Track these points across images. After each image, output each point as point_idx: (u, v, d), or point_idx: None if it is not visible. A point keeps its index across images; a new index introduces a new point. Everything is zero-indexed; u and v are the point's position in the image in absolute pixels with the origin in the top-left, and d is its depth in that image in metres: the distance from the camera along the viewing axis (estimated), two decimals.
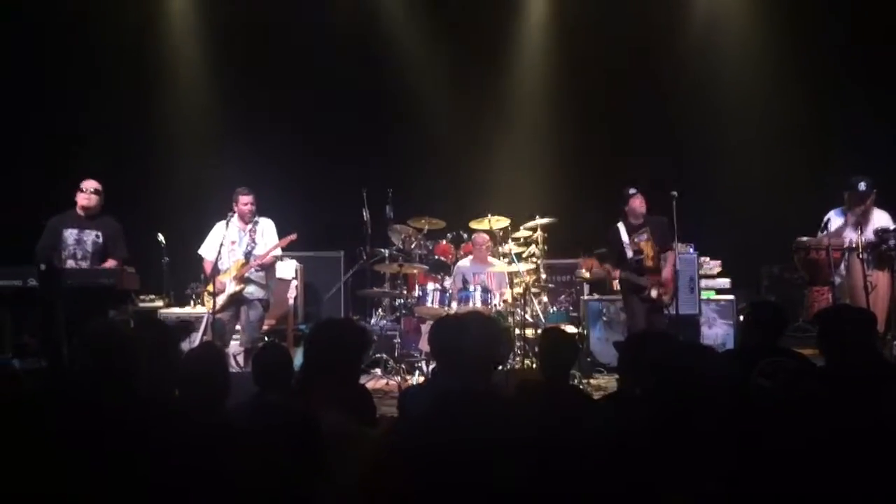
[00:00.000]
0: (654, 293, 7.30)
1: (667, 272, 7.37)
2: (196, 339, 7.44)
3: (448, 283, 8.21)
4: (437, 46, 10.22)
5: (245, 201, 7.35)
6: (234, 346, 7.42)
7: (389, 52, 10.32)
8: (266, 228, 7.47)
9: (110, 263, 6.94)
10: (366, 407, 3.58)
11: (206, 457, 2.12)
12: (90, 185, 6.99)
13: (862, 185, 7.10)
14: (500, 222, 8.55)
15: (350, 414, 3.07)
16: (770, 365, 3.86)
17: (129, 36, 9.55)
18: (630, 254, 7.42)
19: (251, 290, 7.31)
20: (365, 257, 8.86)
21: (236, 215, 7.37)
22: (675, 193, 7.19)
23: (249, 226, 7.41)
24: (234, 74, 9.91)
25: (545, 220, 8.48)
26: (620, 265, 7.43)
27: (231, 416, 2.85)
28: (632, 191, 7.47)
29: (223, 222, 7.28)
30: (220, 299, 7.14)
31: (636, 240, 7.43)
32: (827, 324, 3.99)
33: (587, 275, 9.03)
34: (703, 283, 8.54)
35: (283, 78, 10.13)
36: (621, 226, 7.51)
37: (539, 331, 7.79)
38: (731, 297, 8.68)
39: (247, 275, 7.27)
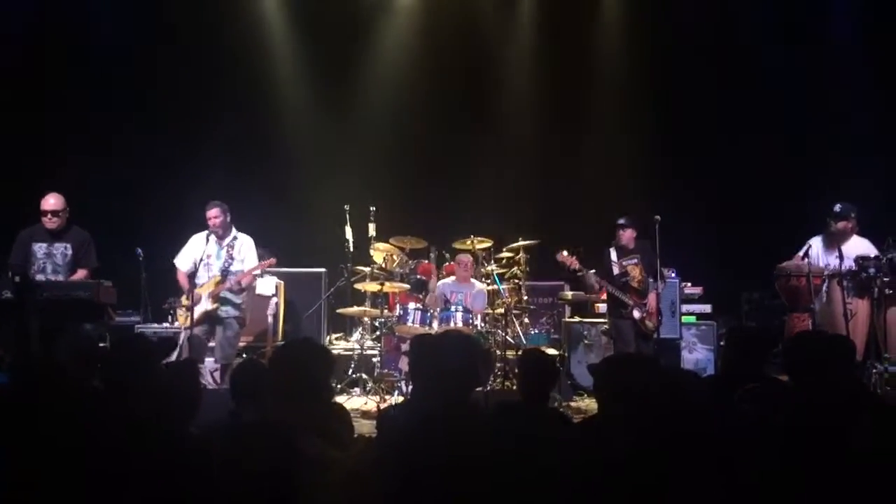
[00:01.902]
0: (636, 314, 7.36)
1: (651, 299, 7.40)
2: (173, 355, 7.34)
3: (429, 302, 8.17)
4: (423, 67, 10.24)
5: (209, 215, 7.20)
6: (209, 362, 7.33)
7: (375, 71, 10.34)
8: (245, 246, 7.33)
9: (80, 274, 6.87)
10: (342, 426, 3.52)
11: (181, 474, 2.07)
12: (48, 206, 6.88)
13: (837, 207, 7.24)
14: (482, 243, 8.54)
15: (322, 435, 3.02)
16: (751, 391, 3.83)
17: (109, 48, 9.46)
18: (616, 270, 7.47)
19: (226, 309, 7.20)
20: (346, 275, 8.81)
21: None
22: (658, 218, 7.22)
23: (227, 241, 7.29)
24: (217, 88, 9.85)
25: (528, 242, 8.47)
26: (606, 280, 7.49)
27: (201, 434, 2.79)
28: (620, 221, 7.54)
29: (202, 234, 7.20)
30: (195, 314, 7.01)
31: (624, 263, 7.52)
32: (797, 350, 3.94)
33: (569, 296, 9.05)
34: (685, 307, 8.56)
35: (265, 94, 10.13)
36: (612, 251, 7.61)
37: (519, 352, 7.78)
38: (712, 322, 8.69)
39: (222, 294, 7.18)
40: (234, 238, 7.30)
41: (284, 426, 2.57)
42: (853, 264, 6.97)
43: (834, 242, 7.20)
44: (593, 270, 7.48)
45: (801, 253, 7.23)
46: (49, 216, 6.87)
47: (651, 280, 7.47)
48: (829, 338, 3.96)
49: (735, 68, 9.88)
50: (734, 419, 3.71)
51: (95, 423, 2.34)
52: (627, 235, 7.54)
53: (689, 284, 8.82)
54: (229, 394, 3.66)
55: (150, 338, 6.89)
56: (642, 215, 7.66)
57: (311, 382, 3.10)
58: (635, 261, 7.54)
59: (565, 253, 7.44)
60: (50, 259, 6.90)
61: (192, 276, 7.03)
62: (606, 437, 3.28)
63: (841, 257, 6.93)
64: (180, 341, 7.27)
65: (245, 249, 7.32)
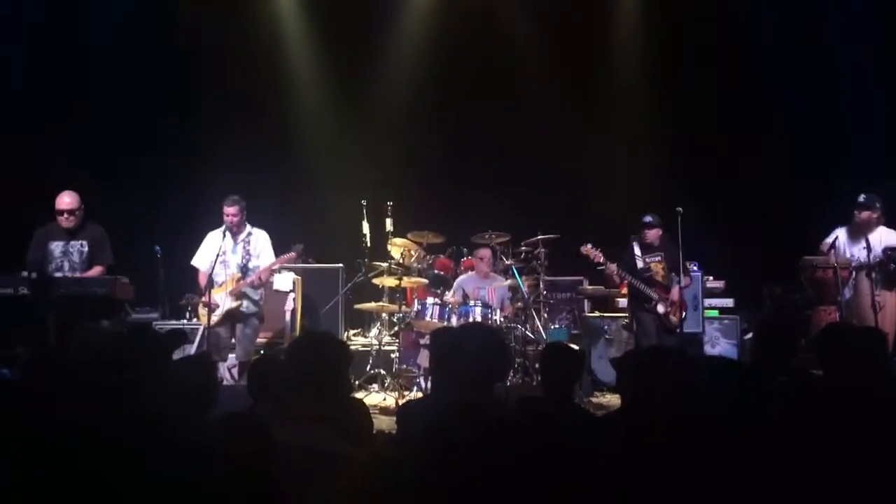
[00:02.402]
0: (661, 308, 7.29)
1: (675, 293, 7.32)
2: (191, 351, 7.31)
3: (448, 297, 8.09)
4: (439, 62, 10.16)
5: (227, 212, 7.07)
6: (231, 359, 7.28)
7: (391, 65, 10.27)
8: (261, 241, 7.24)
9: (96, 270, 6.83)
10: (361, 422, 3.45)
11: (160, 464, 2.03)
12: (63, 205, 6.79)
13: (861, 197, 7.11)
14: (500, 238, 8.46)
15: (339, 430, 2.95)
16: (781, 385, 3.73)
17: (124, 45, 9.43)
18: (640, 264, 7.40)
19: (246, 305, 7.13)
20: (364, 270, 8.75)
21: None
22: (679, 210, 7.14)
23: (242, 236, 7.20)
24: (232, 83, 9.82)
25: (547, 237, 8.38)
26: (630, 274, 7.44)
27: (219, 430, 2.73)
28: (647, 220, 7.46)
29: (218, 232, 7.13)
30: (217, 314, 6.94)
31: (647, 259, 7.45)
32: (831, 342, 3.84)
33: (589, 290, 8.96)
34: (707, 301, 8.44)
35: (281, 88, 10.09)
36: (636, 245, 7.55)
37: (540, 347, 7.70)
38: (734, 316, 8.56)
39: (243, 289, 7.12)
40: (249, 234, 7.22)
41: (260, 418, 2.50)
42: (881, 255, 6.83)
43: (859, 233, 7.08)
44: (615, 264, 7.39)
45: (828, 240, 7.10)
46: (65, 215, 6.81)
47: (674, 276, 7.39)
48: (862, 329, 3.87)
49: (756, 60, 9.73)
50: (763, 414, 3.62)
51: (107, 418, 2.29)
52: (653, 234, 7.48)
53: (712, 278, 8.69)
54: (247, 390, 3.62)
55: (158, 331, 6.81)
56: (663, 208, 7.56)
57: (328, 376, 3.03)
58: (659, 258, 7.48)
59: (589, 246, 7.36)
60: (67, 257, 6.85)
61: (211, 274, 6.93)
62: (631, 431, 3.20)
63: (869, 248, 6.79)
64: (197, 337, 7.24)
65: (261, 245, 7.24)
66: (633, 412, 3.50)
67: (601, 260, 7.37)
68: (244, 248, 7.16)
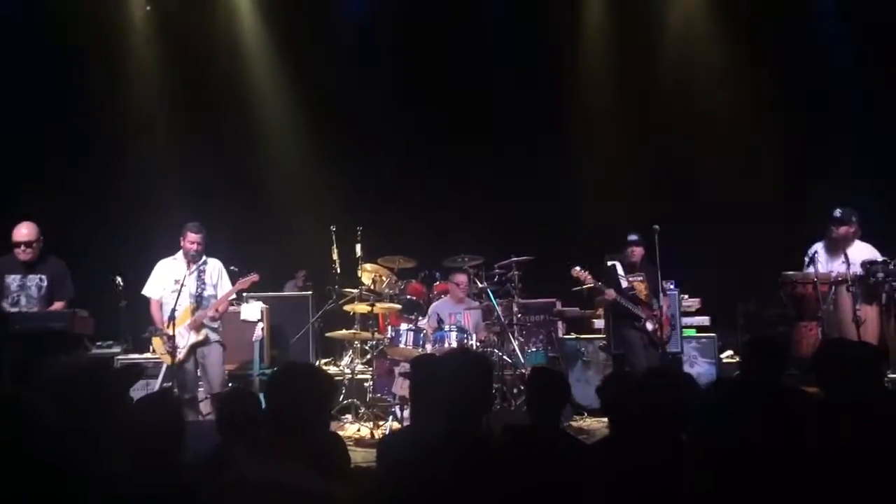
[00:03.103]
0: (650, 325, 7.22)
1: (659, 311, 7.26)
2: (155, 386, 7.01)
3: (422, 323, 7.89)
4: (412, 87, 10.06)
5: (193, 239, 6.77)
6: (201, 393, 6.98)
7: (362, 90, 10.14)
8: (216, 271, 6.95)
9: (57, 305, 6.53)
10: (338, 457, 3.25)
11: None
12: (20, 237, 6.45)
13: (837, 212, 7.05)
14: (474, 261, 8.29)
15: (317, 466, 2.75)
16: (779, 402, 3.60)
17: (88, 69, 9.21)
18: (625, 284, 7.33)
19: (209, 335, 6.83)
20: (335, 297, 8.52)
21: (181, 252, 6.85)
22: (657, 227, 7.05)
23: (198, 264, 6.85)
24: (197, 107, 9.62)
25: (521, 258, 8.23)
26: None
27: (188, 472, 2.51)
28: (632, 238, 7.41)
29: (170, 260, 6.84)
30: (181, 350, 6.59)
31: (630, 278, 7.39)
32: (830, 359, 3.74)
33: (564, 311, 8.85)
34: (684, 320, 8.33)
35: (247, 112, 9.92)
36: (618, 265, 7.50)
37: (518, 371, 7.54)
38: (711, 334, 8.46)
39: (201, 321, 6.80)
40: (205, 262, 6.90)
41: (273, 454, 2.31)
42: (860, 269, 6.76)
43: (837, 248, 7.01)
44: (612, 288, 7.30)
45: (806, 262, 7.05)
46: (22, 248, 6.46)
47: (654, 300, 7.32)
48: (860, 346, 3.78)
49: (725, 75, 9.74)
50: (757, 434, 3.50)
51: (58, 465, 2.06)
52: (638, 253, 7.44)
53: (687, 296, 8.59)
54: (216, 426, 3.39)
55: (114, 367, 6.48)
56: (637, 227, 7.49)
57: (311, 410, 2.82)
58: (641, 278, 7.45)
59: (578, 268, 7.25)
60: (24, 291, 6.52)
61: (173, 310, 6.56)
62: (626, 457, 3.06)
63: (848, 263, 6.72)
64: (161, 372, 6.94)
65: (217, 274, 6.95)
66: (626, 438, 3.36)
67: (590, 281, 7.26)
68: (199, 276, 6.85)
